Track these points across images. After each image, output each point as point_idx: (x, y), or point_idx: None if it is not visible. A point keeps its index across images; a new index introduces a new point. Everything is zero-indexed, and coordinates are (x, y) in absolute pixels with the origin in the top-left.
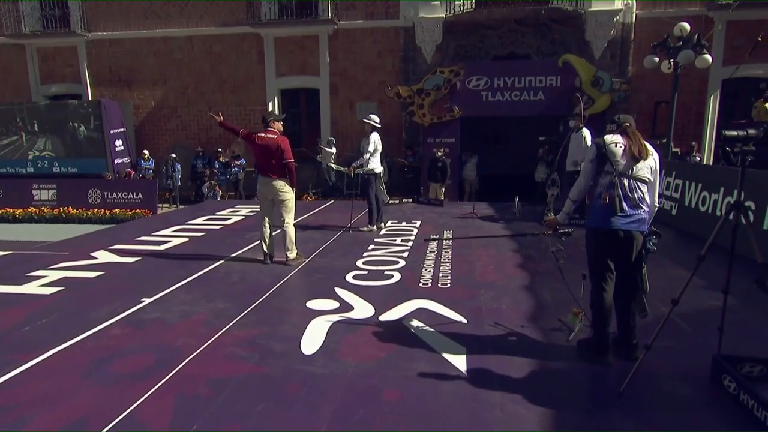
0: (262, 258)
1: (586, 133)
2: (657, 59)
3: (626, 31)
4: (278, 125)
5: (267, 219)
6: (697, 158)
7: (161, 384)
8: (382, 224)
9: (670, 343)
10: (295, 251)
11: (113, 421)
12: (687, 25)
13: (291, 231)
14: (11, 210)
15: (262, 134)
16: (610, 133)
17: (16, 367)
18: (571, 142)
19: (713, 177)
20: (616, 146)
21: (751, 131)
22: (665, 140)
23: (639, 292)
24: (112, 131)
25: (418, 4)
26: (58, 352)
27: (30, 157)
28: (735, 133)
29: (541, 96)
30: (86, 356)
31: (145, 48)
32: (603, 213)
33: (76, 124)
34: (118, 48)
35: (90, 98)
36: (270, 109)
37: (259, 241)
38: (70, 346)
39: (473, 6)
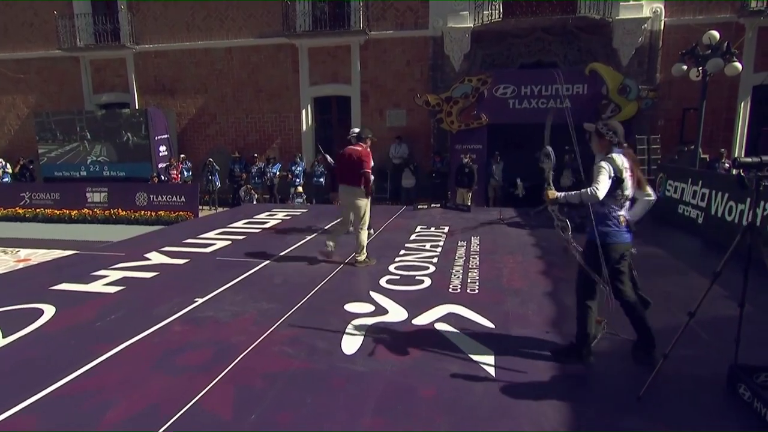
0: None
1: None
2: (685, 67)
3: (654, 39)
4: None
5: (345, 223)
6: (726, 165)
7: (222, 376)
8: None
9: (689, 352)
10: (365, 254)
11: (185, 407)
12: (716, 34)
13: (363, 235)
14: (68, 211)
15: (351, 147)
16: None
17: (97, 357)
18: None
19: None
20: (627, 174)
21: (766, 158)
22: (693, 147)
23: (639, 292)
24: (156, 137)
25: (446, 15)
26: (129, 344)
27: (88, 161)
28: (749, 160)
29: (568, 104)
30: (154, 349)
31: (187, 59)
32: (620, 231)
33: (129, 133)
34: (162, 59)
35: (137, 106)
36: (302, 115)
37: (296, 245)
38: (139, 340)
39: (501, 16)
